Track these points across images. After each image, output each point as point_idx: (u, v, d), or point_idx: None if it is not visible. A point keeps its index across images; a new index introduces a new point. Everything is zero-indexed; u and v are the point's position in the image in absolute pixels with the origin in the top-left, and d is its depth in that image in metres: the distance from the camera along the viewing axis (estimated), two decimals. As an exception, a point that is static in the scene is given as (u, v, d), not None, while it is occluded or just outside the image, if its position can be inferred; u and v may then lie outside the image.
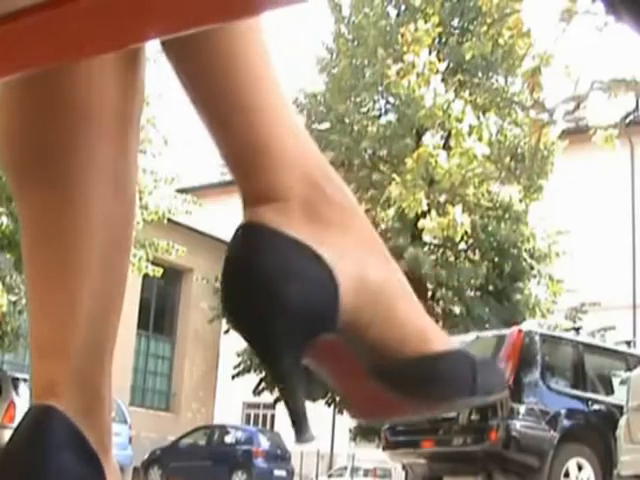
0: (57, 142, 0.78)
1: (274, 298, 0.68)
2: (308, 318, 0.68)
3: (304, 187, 0.73)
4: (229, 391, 26.49)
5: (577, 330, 11.25)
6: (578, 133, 13.60)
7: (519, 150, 18.80)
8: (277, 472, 19.95)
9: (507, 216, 19.54)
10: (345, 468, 25.98)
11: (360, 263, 0.73)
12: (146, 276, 14.72)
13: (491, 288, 19.76)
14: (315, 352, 0.71)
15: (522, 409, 8.93)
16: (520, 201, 19.28)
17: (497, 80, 20.15)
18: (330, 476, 25.95)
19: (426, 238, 19.12)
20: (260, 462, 19.61)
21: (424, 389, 0.74)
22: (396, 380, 0.73)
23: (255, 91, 0.72)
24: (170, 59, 0.73)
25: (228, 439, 20.60)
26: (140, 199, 13.35)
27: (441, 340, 0.76)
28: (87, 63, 0.78)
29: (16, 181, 0.81)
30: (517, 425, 8.80)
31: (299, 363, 0.69)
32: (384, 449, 10.24)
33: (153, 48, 0.83)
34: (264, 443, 20.20)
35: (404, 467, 10.68)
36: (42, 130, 0.78)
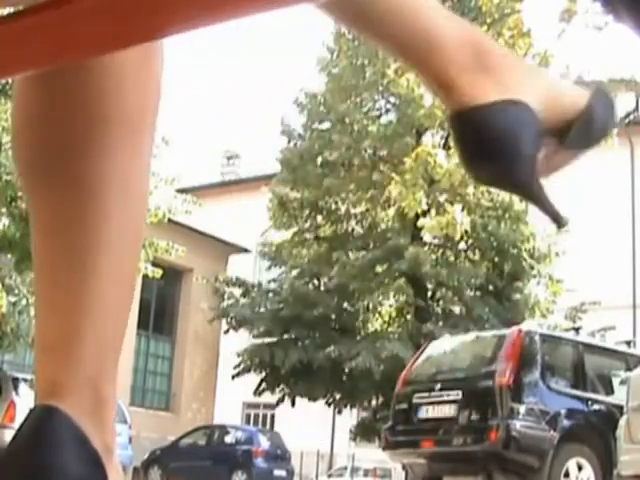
0: (73, 142, 0.78)
1: (516, 147, 0.84)
2: (534, 150, 0.86)
3: (474, 50, 0.87)
4: (229, 391, 26.48)
5: (577, 330, 11.25)
6: (578, 133, 13.59)
7: (519, 150, 18.76)
8: (277, 472, 19.95)
9: (507, 216, 19.53)
10: (345, 468, 25.98)
11: (532, 84, 0.88)
12: (146, 276, 14.73)
13: (491, 288, 19.76)
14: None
15: (522, 409, 8.93)
16: (520, 201, 19.28)
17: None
18: (330, 476, 25.95)
19: (426, 238, 19.12)
20: (260, 462, 19.61)
21: (594, 134, 0.93)
22: (577, 139, 0.91)
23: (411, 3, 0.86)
24: (338, 15, 0.85)
25: (228, 439, 20.60)
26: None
27: (583, 95, 0.92)
28: (105, 63, 0.77)
29: (30, 180, 0.81)
30: (517, 425, 8.80)
31: (538, 179, 0.87)
32: (384, 449, 10.24)
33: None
34: (264, 443, 20.20)
35: (404, 467, 10.68)
36: (59, 130, 0.78)
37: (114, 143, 0.79)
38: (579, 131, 0.91)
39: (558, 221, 0.90)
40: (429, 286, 19.63)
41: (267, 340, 20.61)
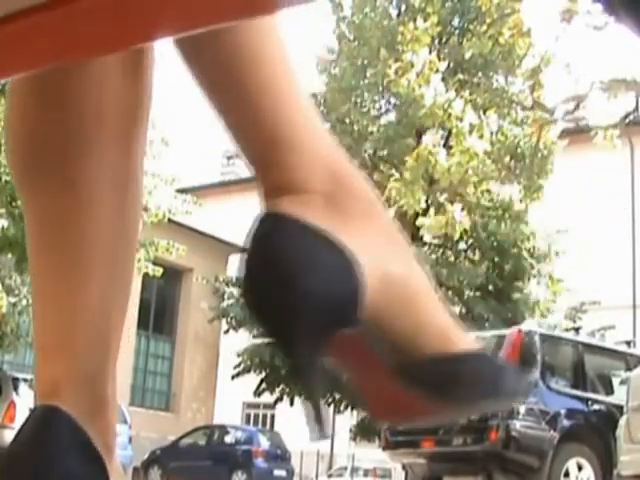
0: (67, 142, 0.78)
1: (294, 288, 0.65)
2: (328, 310, 0.65)
3: (327, 181, 0.72)
4: (229, 391, 26.47)
5: (577, 330, 11.25)
6: (578, 133, 13.59)
7: (519, 150, 18.80)
8: (277, 472, 19.95)
9: (507, 215, 19.53)
10: (345, 468, 25.97)
11: (383, 257, 0.71)
12: (146, 276, 14.72)
13: (491, 288, 19.75)
14: (336, 348, 0.68)
15: (522, 409, 8.92)
16: (520, 201, 19.27)
17: (497, 80, 20.15)
18: (330, 476, 25.94)
19: (426, 238, 19.11)
20: (260, 462, 19.60)
21: (446, 389, 0.71)
22: (417, 379, 0.70)
23: (277, 87, 0.71)
24: (183, 54, 0.72)
25: (228, 439, 20.60)
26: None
27: (464, 340, 0.73)
28: (96, 64, 0.78)
29: (25, 181, 0.81)
30: (517, 425, 8.80)
31: (318, 357, 0.66)
32: (384, 449, 10.23)
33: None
34: (264, 443, 20.20)
35: (404, 467, 10.67)
36: (53, 132, 0.78)
37: (108, 143, 0.79)
38: (432, 375, 0.69)
39: (319, 428, 0.66)
40: (429, 286, 19.59)
41: (267, 340, 20.58)
